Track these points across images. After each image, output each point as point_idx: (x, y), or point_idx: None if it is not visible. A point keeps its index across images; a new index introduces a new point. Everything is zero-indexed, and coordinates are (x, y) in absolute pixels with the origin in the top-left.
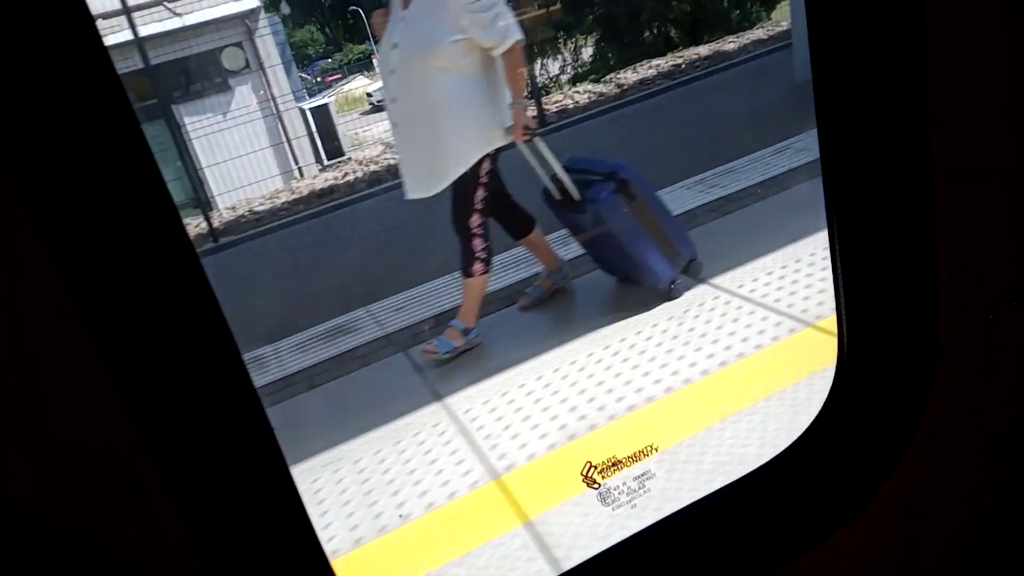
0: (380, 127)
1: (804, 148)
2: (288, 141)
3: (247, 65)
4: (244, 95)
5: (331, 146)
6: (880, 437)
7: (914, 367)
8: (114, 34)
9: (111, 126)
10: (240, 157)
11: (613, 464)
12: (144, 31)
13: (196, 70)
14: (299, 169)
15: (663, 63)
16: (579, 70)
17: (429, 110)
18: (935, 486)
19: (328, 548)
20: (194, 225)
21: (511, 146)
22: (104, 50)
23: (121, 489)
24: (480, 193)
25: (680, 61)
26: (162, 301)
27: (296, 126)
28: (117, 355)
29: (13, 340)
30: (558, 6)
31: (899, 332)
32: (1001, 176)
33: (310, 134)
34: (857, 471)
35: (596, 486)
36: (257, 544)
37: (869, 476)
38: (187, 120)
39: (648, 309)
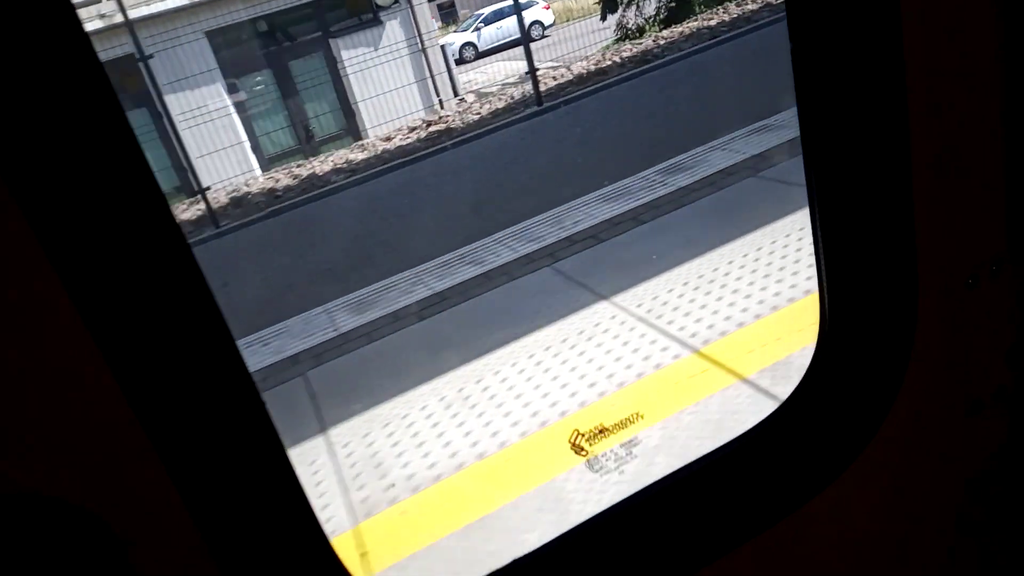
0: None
1: None
2: (432, 76)
3: (396, 0)
4: (393, 31)
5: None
6: (861, 402)
7: (894, 333)
8: None
9: (97, 118)
10: (391, 91)
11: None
12: None
13: (352, 6)
14: (440, 102)
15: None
16: None
17: None
18: (916, 450)
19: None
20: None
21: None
22: (91, 48)
23: (119, 467)
24: None
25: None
26: (155, 289)
27: (438, 62)
28: (112, 341)
29: (10, 328)
30: None
31: (879, 299)
32: (977, 143)
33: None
34: (839, 436)
35: (583, 452)
36: (255, 517)
37: (851, 440)
38: (344, 55)
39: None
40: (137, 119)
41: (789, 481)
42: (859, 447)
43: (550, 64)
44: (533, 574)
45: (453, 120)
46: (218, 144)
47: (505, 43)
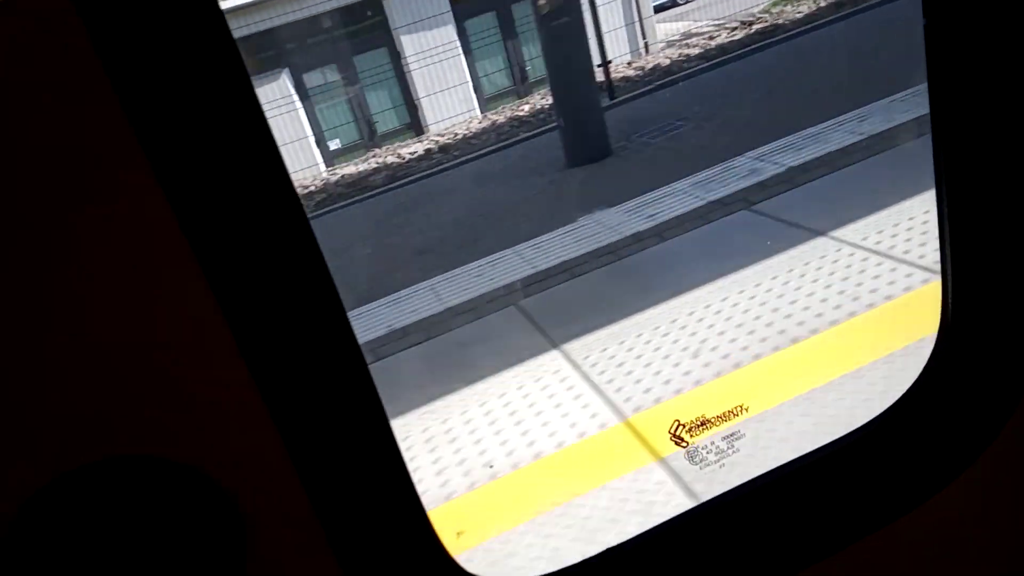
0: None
1: None
2: (641, 21)
3: None
4: None
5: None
6: (983, 401)
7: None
8: None
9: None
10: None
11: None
12: None
13: None
14: (645, 45)
15: None
16: None
17: None
18: None
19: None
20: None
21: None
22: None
23: (233, 430)
24: None
25: None
26: (275, 257)
27: (647, 6)
28: (234, 307)
29: (133, 290)
30: None
31: (1009, 289)
32: None
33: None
34: (953, 440)
35: (684, 444)
36: (358, 482)
37: (967, 444)
38: None
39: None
40: (377, 58)
41: (892, 488)
42: (977, 450)
43: (715, 21)
44: (618, 567)
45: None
46: (446, 83)
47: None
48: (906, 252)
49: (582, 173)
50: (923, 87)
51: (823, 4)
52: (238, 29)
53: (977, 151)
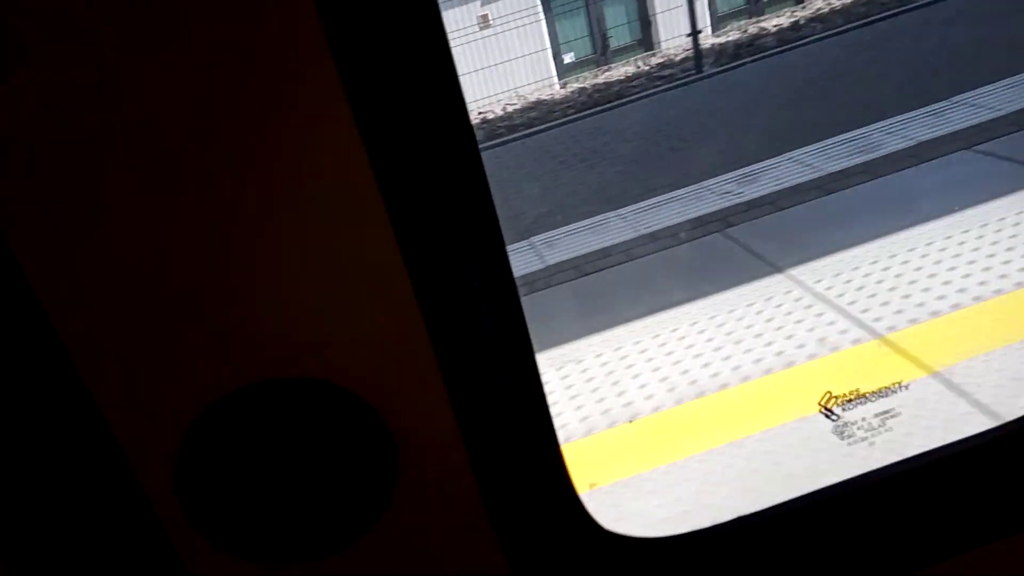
0: None
1: None
2: None
3: None
4: None
5: None
6: None
7: None
8: None
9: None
10: None
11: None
12: None
13: None
14: None
15: None
16: None
17: None
18: None
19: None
20: None
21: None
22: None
23: (396, 361)
24: None
25: None
26: (447, 192)
27: None
28: (409, 246)
29: (315, 214)
30: None
31: None
32: None
33: None
34: None
35: (834, 417)
36: (501, 416)
37: None
38: None
39: None
40: None
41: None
42: None
43: None
44: (747, 537)
45: None
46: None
47: None
48: None
49: None
50: None
51: None
52: None
53: None
